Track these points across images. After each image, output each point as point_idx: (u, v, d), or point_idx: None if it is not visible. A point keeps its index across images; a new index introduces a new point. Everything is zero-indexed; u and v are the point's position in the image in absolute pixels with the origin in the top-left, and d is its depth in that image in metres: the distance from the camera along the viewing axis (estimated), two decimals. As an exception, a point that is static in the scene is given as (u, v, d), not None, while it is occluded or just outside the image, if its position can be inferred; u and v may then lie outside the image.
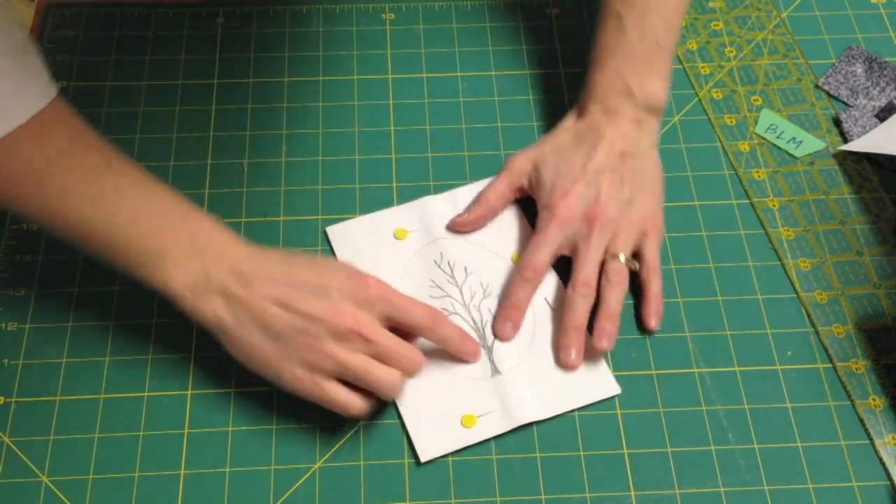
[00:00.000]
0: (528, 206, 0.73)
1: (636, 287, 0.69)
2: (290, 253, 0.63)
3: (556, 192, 0.68)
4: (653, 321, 0.67)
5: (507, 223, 0.73)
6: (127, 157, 0.62)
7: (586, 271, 0.66)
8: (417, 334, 0.63)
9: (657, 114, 0.71)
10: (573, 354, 0.65)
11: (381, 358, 0.60)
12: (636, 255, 0.69)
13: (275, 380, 0.60)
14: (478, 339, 0.67)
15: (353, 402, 0.60)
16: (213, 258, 0.60)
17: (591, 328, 0.67)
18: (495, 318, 0.67)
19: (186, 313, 0.61)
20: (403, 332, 0.62)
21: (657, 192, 0.70)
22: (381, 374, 0.59)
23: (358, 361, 0.59)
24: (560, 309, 0.68)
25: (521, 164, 0.71)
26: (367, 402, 0.61)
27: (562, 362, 0.65)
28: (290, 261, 0.61)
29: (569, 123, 0.73)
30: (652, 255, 0.68)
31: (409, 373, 0.61)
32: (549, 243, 0.67)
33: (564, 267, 0.69)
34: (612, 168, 0.68)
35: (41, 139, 0.58)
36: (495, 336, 0.67)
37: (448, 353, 0.65)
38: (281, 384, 0.60)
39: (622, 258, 0.67)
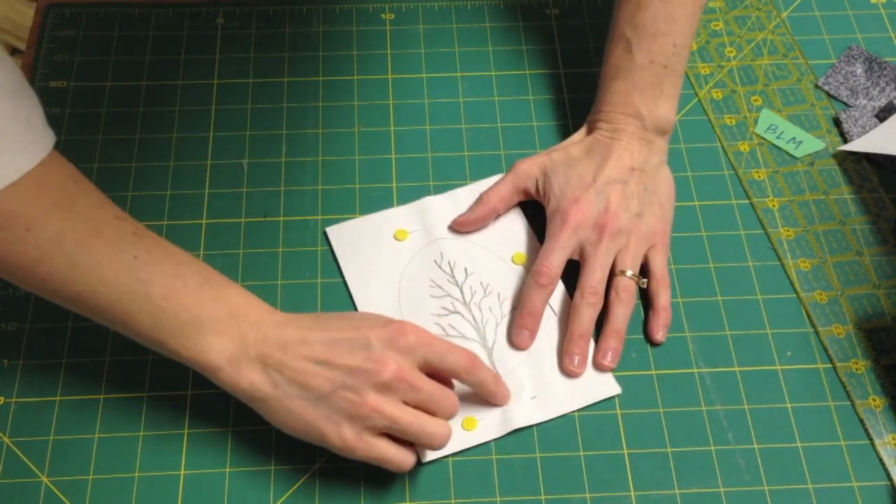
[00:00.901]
0: (529, 208, 0.73)
1: (643, 296, 0.69)
2: (321, 314, 0.61)
3: (567, 198, 0.68)
4: (660, 334, 0.67)
5: (508, 224, 0.73)
6: (146, 227, 0.60)
7: (595, 278, 0.66)
8: (453, 378, 0.61)
9: (665, 134, 0.72)
10: (577, 362, 0.65)
11: (425, 405, 0.58)
12: (644, 267, 0.69)
13: (320, 442, 0.58)
14: (478, 338, 0.67)
15: (406, 458, 0.59)
16: (247, 326, 0.58)
17: (594, 338, 0.67)
18: (511, 327, 0.67)
19: (222, 386, 0.59)
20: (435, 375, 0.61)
21: (666, 207, 0.70)
22: (433, 428, 0.58)
23: (407, 415, 0.57)
24: (564, 315, 0.68)
25: (527, 168, 0.71)
26: (415, 454, 0.60)
27: (566, 370, 0.65)
28: (323, 319, 0.60)
29: (578, 137, 0.73)
30: (660, 267, 0.69)
31: (449, 417, 0.60)
32: (562, 248, 0.67)
33: (569, 274, 0.69)
34: (621, 181, 0.68)
35: (71, 207, 0.56)
36: (512, 345, 0.67)
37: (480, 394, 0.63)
38: (327, 446, 0.58)
39: (629, 274, 0.67)
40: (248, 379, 0.58)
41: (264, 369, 0.58)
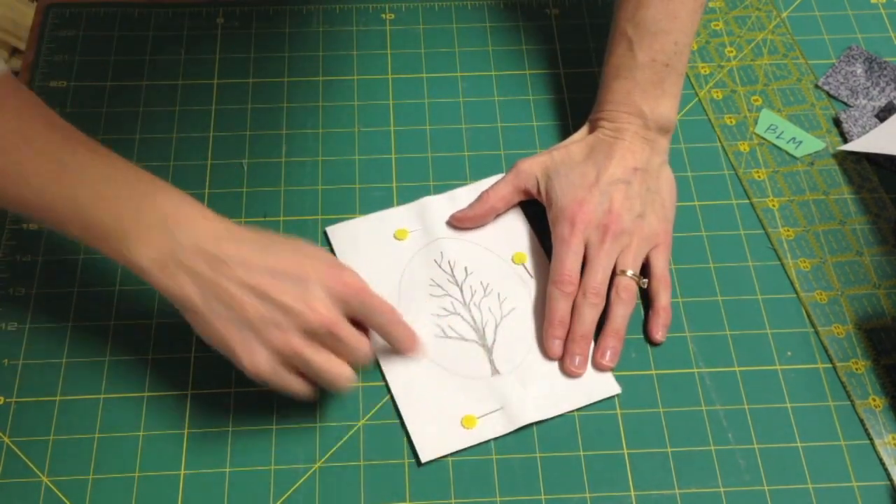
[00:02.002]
0: (529, 208, 0.73)
1: (644, 296, 0.69)
2: (265, 234, 0.61)
3: (572, 200, 0.68)
4: (659, 334, 0.67)
5: (509, 224, 0.73)
6: (80, 131, 0.61)
7: (597, 279, 0.66)
8: (373, 330, 0.62)
9: (667, 133, 0.72)
10: (577, 362, 0.65)
11: (340, 352, 0.59)
12: (645, 267, 0.69)
13: (232, 360, 0.59)
14: (477, 338, 0.67)
15: (305, 392, 0.60)
16: (181, 235, 0.58)
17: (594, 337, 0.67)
18: (543, 338, 0.67)
19: (152, 286, 0.59)
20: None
21: (668, 207, 0.70)
22: (339, 371, 0.59)
23: (322, 360, 0.58)
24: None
25: (528, 168, 0.71)
26: (314, 389, 0.61)
27: (567, 369, 0.65)
28: (268, 245, 0.60)
29: (579, 136, 0.73)
30: (661, 267, 0.69)
31: (360, 365, 0.61)
32: (576, 253, 0.67)
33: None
34: (624, 181, 0.68)
35: None
36: (546, 356, 0.66)
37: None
38: (238, 366, 0.59)
39: (630, 274, 0.67)
40: (179, 287, 0.58)
41: (195, 281, 0.57)
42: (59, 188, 0.58)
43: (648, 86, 0.70)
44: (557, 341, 0.66)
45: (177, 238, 0.58)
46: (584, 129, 0.73)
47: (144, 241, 0.58)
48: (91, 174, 0.58)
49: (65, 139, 0.59)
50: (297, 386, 0.60)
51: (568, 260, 0.67)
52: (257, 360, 0.58)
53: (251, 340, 0.58)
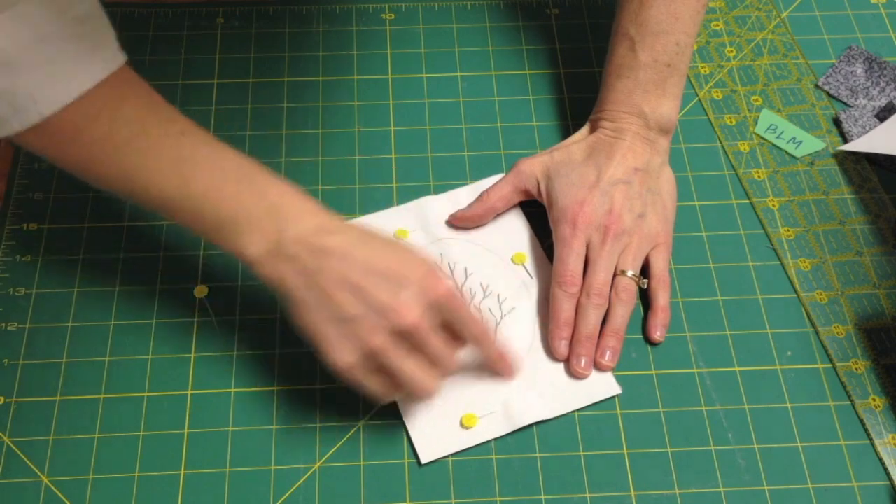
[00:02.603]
0: (529, 207, 0.73)
1: (643, 295, 0.69)
2: (369, 230, 0.61)
3: (572, 200, 0.68)
4: (657, 333, 0.67)
5: (509, 224, 0.73)
6: (198, 125, 0.61)
7: (599, 279, 0.66)
8: (466, 345, 0.62)
9: (668, 134, 0.72)
10: (584, 363, 0.65)
11: (426, 357, 0.59)
12: (645, 268, 0.69)
13: (321, 353, 0.59)
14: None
15: (383, 395, 0.60)
16: (288, 225, 0.59)
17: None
18: (549, 340, 0.67)
19: (260, 279, 0.60)
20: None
21: (668, 207, 0.70)
22: (424, 383, 0.59)
23: (408, 365, 0.58)
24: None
25: (529, 168, 0.71)
26: (396, 394, 0.61)
27: (573, 370, 0.66)
28: (370, 240, 0.60)
29: (580, 136, 0.73)
30: (661, 267, 0.69)
31: (445, 375, 0.61)
32: (578, 254, 0.67)
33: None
34: (625, 181, 0.69)
35: (119, 109, 0.58)
36: (552, 357, 0.66)
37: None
38: (325, 360, 0.59)
39: (630, 274, 0.67)
40: (281, 278, 0.59)
41: (297, 271, 0.58)
42: (174, 180, 0.59)
43: (650, 86, 0.70)
44: (564, 342, 0.66)
45: (283, 230, 0.59)
46: (584, 129, 0.73)
47: (253, 233, 0.59)
48: (205, 167, 0.59)
49: (182, 133, 0.60)
50: (375, 386, 0.60)
51: (570, 261, 0.67)
52: (341, 355, 0.58)
53: (339, 335, 0.58)
